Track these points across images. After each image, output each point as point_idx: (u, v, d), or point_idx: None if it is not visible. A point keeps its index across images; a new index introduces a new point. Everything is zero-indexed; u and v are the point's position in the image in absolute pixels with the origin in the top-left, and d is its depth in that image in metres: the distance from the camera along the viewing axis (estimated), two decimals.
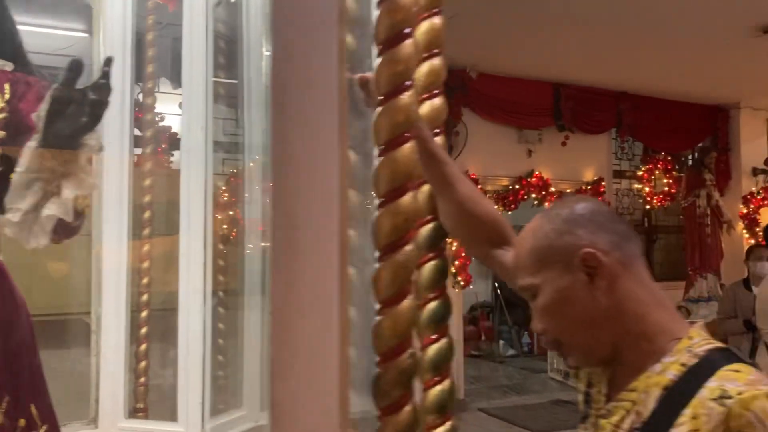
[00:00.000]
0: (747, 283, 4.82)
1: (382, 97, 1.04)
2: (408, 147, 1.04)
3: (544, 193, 7.54)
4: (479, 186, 7.09)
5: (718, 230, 8.07)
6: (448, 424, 1.29)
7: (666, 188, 8.52)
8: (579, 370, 1.22)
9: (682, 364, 1.02)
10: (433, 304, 1.34)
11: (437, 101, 1.39)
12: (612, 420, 1.08)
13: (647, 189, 8.43)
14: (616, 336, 1.08)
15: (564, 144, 7.65)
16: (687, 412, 0.97)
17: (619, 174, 8.49)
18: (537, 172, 7.49)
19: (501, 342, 10.43)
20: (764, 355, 3.91)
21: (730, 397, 0.95)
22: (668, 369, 1.03)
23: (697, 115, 8.65)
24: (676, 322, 1.10)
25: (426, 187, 1.36)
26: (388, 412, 1.03)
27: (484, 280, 11.60)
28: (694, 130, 8.62)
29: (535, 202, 7.59)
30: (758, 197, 8.73)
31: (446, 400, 1.30)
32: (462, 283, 6.98)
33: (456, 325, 7.11)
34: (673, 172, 8.58)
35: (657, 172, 8.50)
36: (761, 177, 8.81)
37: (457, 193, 1.32)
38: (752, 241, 8.63)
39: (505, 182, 7.39)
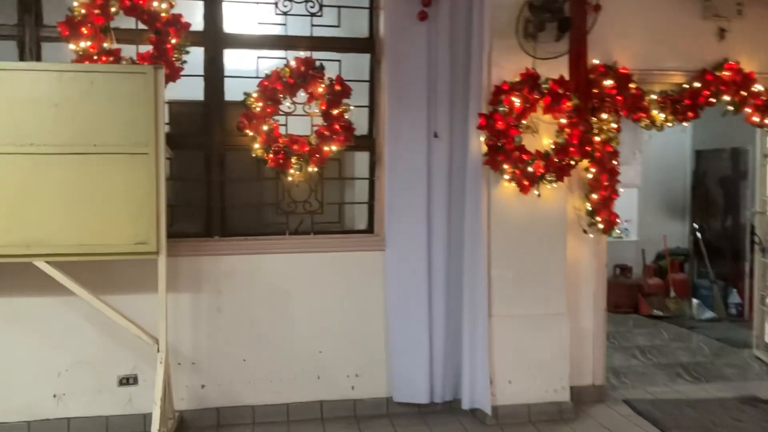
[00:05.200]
0: None
1: None
2: None
3: (743, 93, 5.05)
4: (635, 87, 4.88)
5: None
6: None
7: None
8: None
9: None
10: None
11: None
12: None
13: None
14: None
15: None
16: None
17: None
18: (732, 62, 5.01)
19: (695, 301, 7.95)
20: None
21: None
22: None
23: None
24: None
25: None
26: None
27: (679, 220, 9.06)
28: None
29: (730, 107, 5.12)
30: None
31: None
32: (603, 226, 4.91)
33: (597, 281, 5.08)
34: None
35: None
36: None
37: None
38: None
39: (680, 78, 5.04)
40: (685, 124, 5.11)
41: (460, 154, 4.68)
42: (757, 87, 5.06)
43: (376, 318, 4.74)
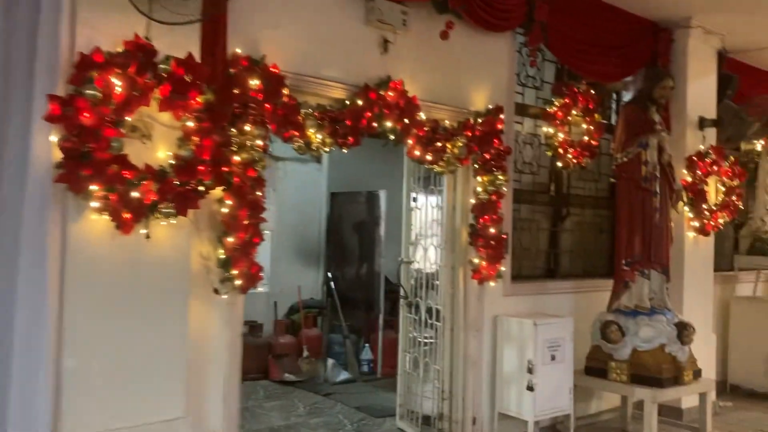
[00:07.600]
0: None
1: None
2: None
3: (407, 121, 4.20)
4: (288, 94, 3.63)
5: (668, 203, 5.20)
6: None
7: (585, 137, 5.54)
8: None
9: None
10: None
11: None
12: None
13: (562, 136, 5.39)
14: None
15: (445, 36, 4.36)
16: None
17: (519, 109, 5.37)
18: (396, 81, 4.14)
19: (330, 361, 7.06)
20: None
21: None
22: None
23: (633, 33, 5.75)
24: None
25: None
26: None
27: (314, 268, 8.22)
28: (629, 54, 5.70)
29: (391, 137, 4.23)
30: (707, 160, 6.00)
31: None
32: (241, 282, 3.49)
33: (231, 360, 3.60)
34: (595, 114, 5.60)
35: (574, 111, 5.48)
36: (709, 131, 6.09)
37: None
38: (696, 224, 5.92)
39: (341, 93, 3.97)
40: (344, 150, 4.05)
41: (16, 163, 2.78)
42: (422, 115, 4.29)
43: None
